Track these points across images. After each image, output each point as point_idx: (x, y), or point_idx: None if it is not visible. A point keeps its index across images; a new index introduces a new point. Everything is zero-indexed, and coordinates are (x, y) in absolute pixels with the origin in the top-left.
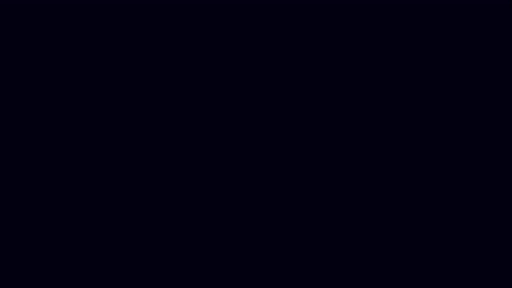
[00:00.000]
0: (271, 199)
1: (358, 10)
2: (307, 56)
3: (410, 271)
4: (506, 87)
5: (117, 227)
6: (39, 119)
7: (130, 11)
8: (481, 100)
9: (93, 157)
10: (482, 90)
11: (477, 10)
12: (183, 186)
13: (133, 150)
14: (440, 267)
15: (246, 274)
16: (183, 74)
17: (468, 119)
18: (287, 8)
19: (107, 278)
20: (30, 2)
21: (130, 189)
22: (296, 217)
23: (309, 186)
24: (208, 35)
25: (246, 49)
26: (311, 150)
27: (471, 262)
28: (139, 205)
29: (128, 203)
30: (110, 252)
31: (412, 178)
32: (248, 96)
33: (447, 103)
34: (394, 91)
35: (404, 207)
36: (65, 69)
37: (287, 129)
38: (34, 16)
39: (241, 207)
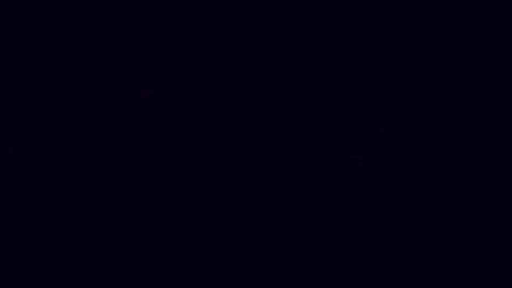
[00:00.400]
0: (271, 199)
1: (358, 10)
2: (307, 56)
3: (410, 271)
4: (506, 87)
5: (116, 226)
6: (39, 118)
7: (130, 11)
8: (481, 99)
9: (92, 157)
10: (482, 90)
11: (477, 10)
12: (182, 185)
13: (132, 149)
14: (440, 267)
15: (246, 274)
16: (183, 74)
17: (468, 118)
18: (287, 8)
19: (107, 278)
20: (30, 2)
21: (129, 188)
22: (295, 217)
23: (309, 186)
24: (208, 35)
25: (246, 49)
26: (311, 149)
27: (471, 262)
28: (139, 204)
29: (127, 202)
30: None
31: (412, 177)
32: (248, 95)
33: (447, 103)
34: (394, 91)
35: (404, 206)
36: (65, 69)
37: (287, 129)
38: (34, 16)
39: (241, 206)
